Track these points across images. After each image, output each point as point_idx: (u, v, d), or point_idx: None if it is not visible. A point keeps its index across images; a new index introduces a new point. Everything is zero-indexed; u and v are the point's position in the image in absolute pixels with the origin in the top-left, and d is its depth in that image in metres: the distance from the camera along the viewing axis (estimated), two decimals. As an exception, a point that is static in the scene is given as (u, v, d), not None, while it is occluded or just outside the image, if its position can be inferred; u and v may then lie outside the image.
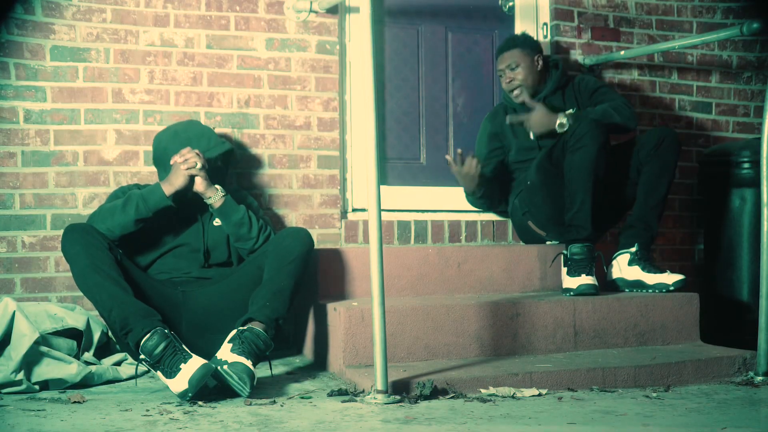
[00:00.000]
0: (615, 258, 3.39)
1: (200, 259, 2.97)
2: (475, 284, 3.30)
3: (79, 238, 2.69)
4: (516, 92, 3.58)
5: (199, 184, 2.90)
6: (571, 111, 3.42)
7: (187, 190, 2.89)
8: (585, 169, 3.23)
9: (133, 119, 3.30)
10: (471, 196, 3.63)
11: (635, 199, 3.40)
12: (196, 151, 2.89)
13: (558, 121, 3.38)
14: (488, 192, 3.61)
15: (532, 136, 3.50)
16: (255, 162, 3.46)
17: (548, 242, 3.53)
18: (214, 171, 2.99)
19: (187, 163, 2.85)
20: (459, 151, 3.53)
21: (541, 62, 3.60)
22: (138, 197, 2.83)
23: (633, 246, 3.34)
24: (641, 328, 3.14)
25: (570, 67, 3.90)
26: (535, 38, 3.81)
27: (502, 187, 3.67)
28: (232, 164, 3.24)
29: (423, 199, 3.79)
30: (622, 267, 3.36)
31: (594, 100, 3.53)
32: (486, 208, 3.74)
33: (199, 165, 2.86)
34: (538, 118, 3.44)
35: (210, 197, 2.92)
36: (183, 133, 3.00)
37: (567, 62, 3.90)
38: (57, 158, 3.21)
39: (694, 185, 4.16)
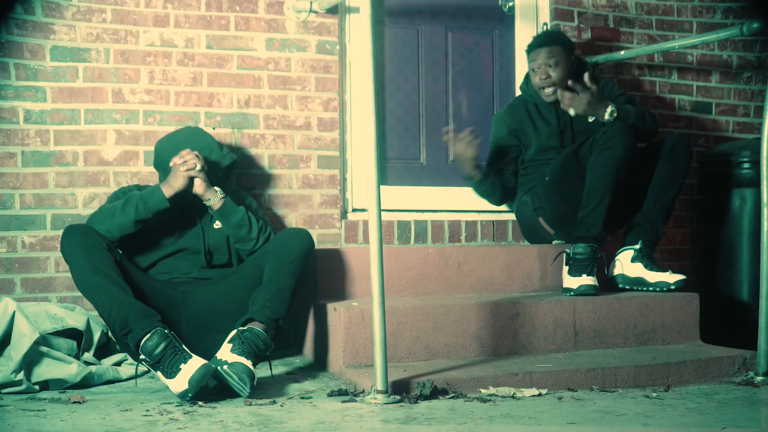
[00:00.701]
0: (618, 254, 3.39)
1: (201, 261, 2.97)
2: (475, 284, 3.29)
3: (78, 239, 2.69)
4: (548, 90, 3.48)
5: (199, 186, 2.89)
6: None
7: (187, 191, 2.88)
8: (610, 169, 3.21)
9: (133, 119, 3.30)
10: (472, 183, 3.56)
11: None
12: (196, 152, 2.88)
13: (609, 109, 3.31)
14: (494, 181, 3.56)
15: (572, 113, 3.37)
16: (255, 162, 3.46)
17: (554, 241, 3.52)
18: (214, 176, 2.98)
19: (186, 164, 2.85)
20: (449, 127, 3.52)
21: (575, 64, 3.53)
22: (138, 198, 2.83)
23: (637, 243, 3.34)
24: (641, 328, 3.14)
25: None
26: None
27: (509, 183, 3.63)
28: (232, 172, 3.23)
29: (423, 199, 3.79)
30: (624, 264, 3.36)
31: None
32: (490, 199, 3.63)
33: (198, 167, 2.86)
34: (589, 100, 3.32)
35: (209, 199, 2.91)
36: (184, 144, 2.97)
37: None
38: (57, 158, 3.21)
39: (694, 185, 4.16)
